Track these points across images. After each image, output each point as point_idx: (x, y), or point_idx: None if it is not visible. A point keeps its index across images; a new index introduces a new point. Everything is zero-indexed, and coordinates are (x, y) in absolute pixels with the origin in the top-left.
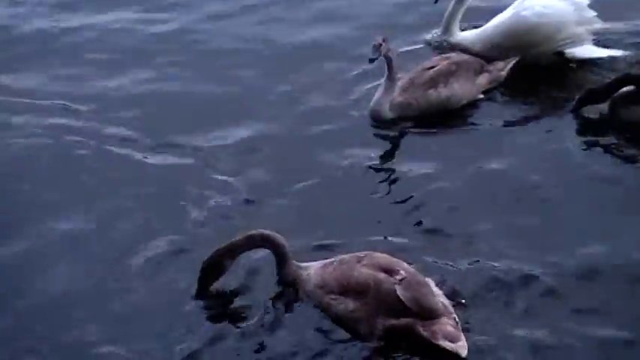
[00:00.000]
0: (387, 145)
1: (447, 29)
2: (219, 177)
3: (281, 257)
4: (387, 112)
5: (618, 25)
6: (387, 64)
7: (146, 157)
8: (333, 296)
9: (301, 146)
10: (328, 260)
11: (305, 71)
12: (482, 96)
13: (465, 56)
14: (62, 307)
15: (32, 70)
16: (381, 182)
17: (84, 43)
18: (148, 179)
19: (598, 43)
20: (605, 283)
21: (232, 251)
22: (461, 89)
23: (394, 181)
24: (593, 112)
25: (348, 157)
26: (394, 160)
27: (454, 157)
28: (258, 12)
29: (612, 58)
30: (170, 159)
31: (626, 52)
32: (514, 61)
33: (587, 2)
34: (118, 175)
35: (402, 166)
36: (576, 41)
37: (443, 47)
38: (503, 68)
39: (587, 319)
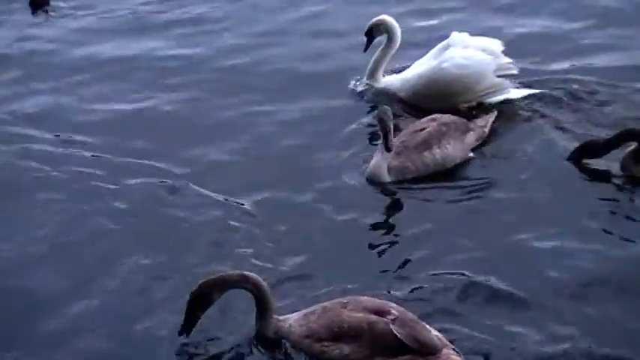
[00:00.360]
0: (385, 198)
1: (372, 75)
2: (219, 216)
3: (264, 309)
4: (386, 177)
5: (527, 65)
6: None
7: (134, 181)
8: (325, 344)
9: (297, 180)
10: (307, 310)
11: (306, 102)
12: (472, 154)
13: (452, 117)
14: (56, 323)
15: (41, 99)
16: (372, 229)
17: (90, 70)
18: (145, 206)
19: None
20: (596, 300)
21: (222, 285)
22: (453, 150)
23: (386, 229)
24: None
25: (343, 200)
26: (389, 209)
27: (450, 208)
28: (267, 45)
29: (532, 97)
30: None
31: (543, 90)
32: (493, 117)
33: (502, 49)
34: (122, 201)
35: (397, 215)
36: (497, 91)
37: (368, 92)
38: (485, 125)
39: (581, 337)
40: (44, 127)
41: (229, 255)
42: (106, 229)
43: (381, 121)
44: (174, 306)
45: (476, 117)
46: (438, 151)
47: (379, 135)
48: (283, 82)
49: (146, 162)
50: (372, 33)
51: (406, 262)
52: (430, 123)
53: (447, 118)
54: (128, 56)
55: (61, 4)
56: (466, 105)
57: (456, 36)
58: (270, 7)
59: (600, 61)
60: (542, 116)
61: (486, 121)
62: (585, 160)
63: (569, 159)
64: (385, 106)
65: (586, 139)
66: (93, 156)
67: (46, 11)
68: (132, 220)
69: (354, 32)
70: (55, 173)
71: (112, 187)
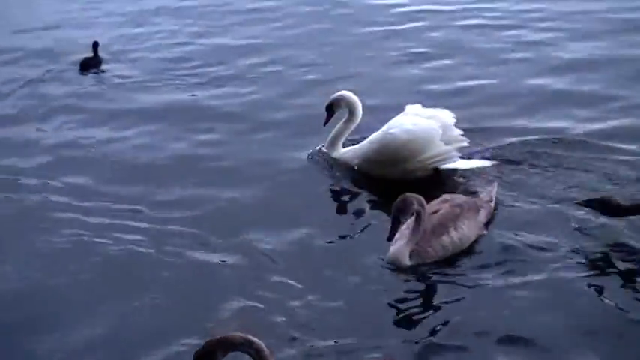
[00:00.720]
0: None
1: (331, 145)
2: (239, 264)
3: None
4: (407, 261)
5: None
6: (416, 219)
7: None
8: None
9: (320, 230)
10: None
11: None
12: (485, 232)
13: (462, 197)
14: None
15: (78, 150)
16: (384, 295)
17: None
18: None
19: (463, 156)
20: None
21: (226, 346)
22: (469, 230)
23: (399, 295)
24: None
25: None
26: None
27: (468, 282)
28: (292, 102)
29: (481, 169)
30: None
31: (493, 163)
32: (495, 190)
33: (454, 122)
34: (147, 245)
35: (414, 284)
36: (445, 159)
37: (324, 161)
38: (490, 199)
39: None
40: (80, 175)
41: (243, 302)
42: (129, 271)
43: (398, 209)
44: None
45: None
46: (454, 233)
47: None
48: (306, 133)
49: (175, 210)
50: (332, 108)
51: (423, 323)
52: (442, 205)
53: (459, 199)
54: (165, 109)
55: (110, 66)
56: (416, 173)
57: (409, 108)
58: (301, 64)
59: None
60: (542, 181)
61: (490, 196)
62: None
63: (578, 203)
64: (415, 196)
65: (592, 196)
66: (122, 202)
67: (97, 72)
68: (152, 263)
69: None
70: (89, 219)
71: (141, 235)
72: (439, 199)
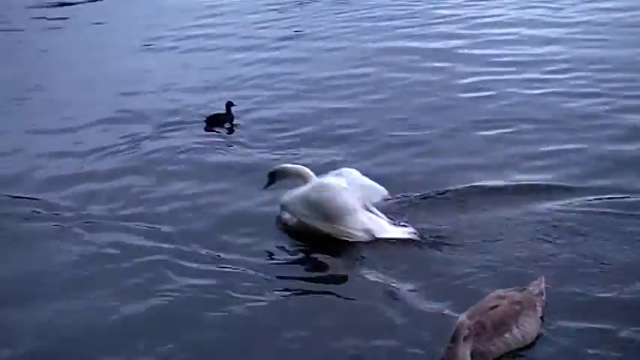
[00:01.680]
0: None
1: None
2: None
3: None
4: None
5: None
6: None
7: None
8: None
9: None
10: None
11: None
12: (543, 331)
13: (516, 293)
14: None
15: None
16: None
17: None
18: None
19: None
20: None
21: None
22: (530, 327)
23: None
24: None
25: None
26: None
27: None
28: None
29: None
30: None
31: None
32: (543, 283)
33: (382, 190)
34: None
35: None
36: (351, 212)
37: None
38: (540, 292)
39: None
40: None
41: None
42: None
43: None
44: None
45: None
46: (517, 331)
47: None
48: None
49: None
50: (274, 176)
51: None
52: (500, 300)
53: (516, 295)
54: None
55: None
56: (337, 230)
57: (345, 170)
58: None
59: None
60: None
61: (540, 289)
62: None
63: None
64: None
65: None
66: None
67: (230, 128)
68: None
69: None
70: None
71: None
72: (493, 294)
